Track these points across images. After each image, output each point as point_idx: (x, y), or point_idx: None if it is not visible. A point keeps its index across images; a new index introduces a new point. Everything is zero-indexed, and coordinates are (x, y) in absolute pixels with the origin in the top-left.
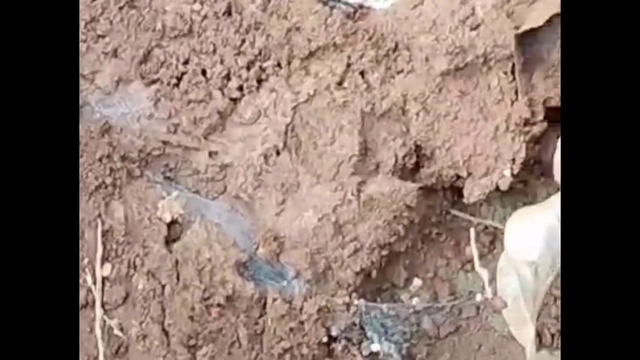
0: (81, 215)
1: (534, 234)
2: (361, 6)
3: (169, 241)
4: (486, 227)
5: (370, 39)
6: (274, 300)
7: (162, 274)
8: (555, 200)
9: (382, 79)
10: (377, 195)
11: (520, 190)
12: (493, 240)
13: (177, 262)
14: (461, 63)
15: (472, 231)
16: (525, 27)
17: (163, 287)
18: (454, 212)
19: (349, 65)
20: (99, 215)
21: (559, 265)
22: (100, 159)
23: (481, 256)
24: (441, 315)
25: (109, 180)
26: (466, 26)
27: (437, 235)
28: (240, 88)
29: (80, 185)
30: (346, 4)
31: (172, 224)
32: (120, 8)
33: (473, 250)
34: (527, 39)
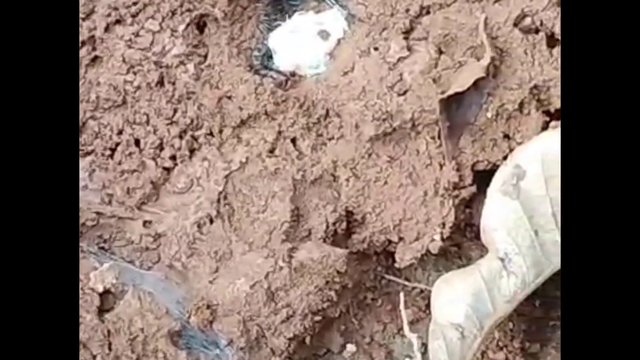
0: None
1: (459, 297)
2: (293, 74)
3: (101, 311)
4: (422, 291)
5: (301, 106)
6: None
7: (94, 345)
8: (482, 263)
9: (313, 146)
10: (307, 261)
11: (454, 253)
12: (428, 304)
13: (109, 332)
14: (389, 128)
15: (401, 296)
16: (450, 91)
17: (94, 357)
18: (389, 277)
19: (280, 132)
20: None
21: (486, 327)
22: None
23: (417, 320)
24: None
25: None
26: (394, 92)
27: (372, 301)
28: (173, 157)
29: None
30: (278, 72)
31: (104, 294)
32: None
33: (403, 315)
34: (452, 103)
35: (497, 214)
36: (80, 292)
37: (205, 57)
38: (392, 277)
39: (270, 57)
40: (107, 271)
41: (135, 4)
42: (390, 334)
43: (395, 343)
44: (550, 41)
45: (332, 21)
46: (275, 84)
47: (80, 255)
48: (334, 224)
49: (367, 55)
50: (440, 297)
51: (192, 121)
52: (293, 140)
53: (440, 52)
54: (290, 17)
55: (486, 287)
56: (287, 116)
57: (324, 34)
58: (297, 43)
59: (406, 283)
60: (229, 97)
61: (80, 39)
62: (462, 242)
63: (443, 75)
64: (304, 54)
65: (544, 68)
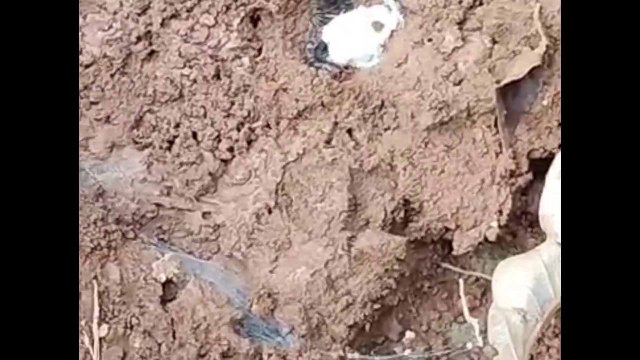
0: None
1: (521, 282)
2: (347, 67)
3: (164, 301)
4: (477, 279)
5: (356, 97)
6: (269, 355)
7: (158, 333)
8: (542, 248)
9: (369, 136)
10: (367, 249)
11: (509, 242)
12: (484, 292)
13: (172, 321)
14: (445, 117)
15: (461, 282)
16: (506, 80)
17: (159, 345)
18: (445, 265)
19: (336, 123)
20: (95, 277)
21: (547, 312)
22: (94, 222)
23: (473, 307)
24: None
25: (103, 243)
26: (449, 82)
27: (429, 289)
28: (231, 149)
29: None
30: (332, 64)
31: (167, 283)
32: (112, 75)
33: (463, 301)
34: (508, 92)
35: (555, 200)
36: (143, 282)
37: (260, 50)
38: (448, 266)
39: (325, 49)
40: (169, 261)
41: None
42: (447, 321)
43: (452, 331)
44: None
45: (385, 13)
46: (330, 76)
47: (142, 246)
48: (392, 212)
49: (420, 46)
50: (501, 282)
51: (249, 113)
52: (349, 131)
53: (495, 42)
54: (343, 9)
55: (547, 272)
56: (343, 107)
57: (377, 26)
58: (350, 35)
59: (462, 271)
60: (285, 90)
61: (137, 34)
62: (518, 231)
63: (498, 65)
64: (357, 46)
65: None
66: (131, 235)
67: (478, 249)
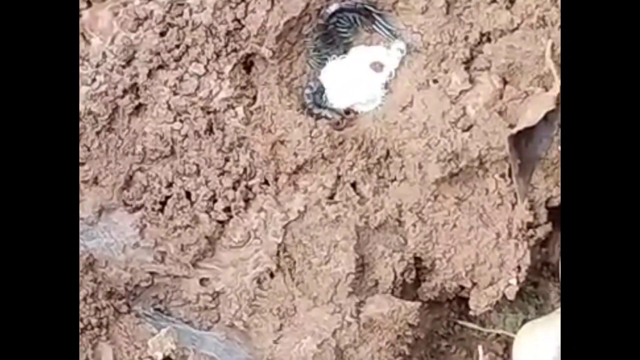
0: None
1: (545, 347)
2: (348, 112)
3: None
4: (497, 335)
5: (359, 147)
6: None
7: None
8: None
9: (374, 189)
10: (377, 316)
11: (531, 293)
12: (506, 348)
13: None
14: (455, 169)
15: (480, 349)
16: (519, 127)
17: None
18: (462, 323)
19: (339, 177)
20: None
21: None
22: (84, 299)
23: None
24: None
25: (94, 321)
26: (458, 128)
27: (446, 348)
28: (228, 209)
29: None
30: (332, 110)
31: None
32: (98, 133)
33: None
34: (522, 138)
35: None
36: None
37: (255, 98)
38: (466, 323)
39: (323, 93)
40: (165, 337)
41: (177, 47)
42: None
43: None
44: None
45: (386, 52)
46: (330, 123)
47: (136, 320)
48: (402, 273)
49: (426, 88)
50: (524, 346)
51: (245, 170)
52: (353, 185)
53: (505, 82)
54: (341, 50)
55: None
56: (346, 159)
57: (377, 66)
58: (350, 77)
59: (481, 329)
60: (283, 142)
61: (122, 87)
62: (539, 280)
63: (509, 107)
64: (358, 88)
65: None
66: (124, 309)
67: (497, 302)
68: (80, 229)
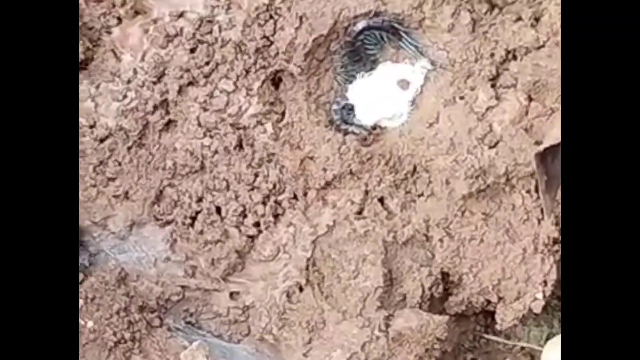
0: None
1: None
2: (374, 127)
3: None
4: (522, 348)
5: (386, 163)
6: None
7: None
8: None
9: (402, 204)
10: (405, 330)
11: (555, 306)
12: None
13: None
14: (482, 185)
15: None
16: (545, 145)
17: None
18: (488, 336)
19: (367, 192)
20: None
21: None
22: (117, 313)
23: None
24: None
25: (127, 335)
26: (484, 144)
27: None
28: (257, 224)
29: (98, 341)
30: (359, 126)
31: None
32: (129, 148)
33: None
34: (548, 155)
35: None
36: None
37: (283, 114)
38: (492, 337)
39: (351, 110)
40: (196, 350)
41: (207, 63)
42: None
43: None
44: None
45: (412, 69)
46: (358, 139)
47: (168, 334)
48: (430, 288)
49: (452, 104)
50: None
51: (274, 185)
52: (381, 200)
53: (531, 99)
54: (368, 66)
55: None
56: (373, 174)
57: (404, 83)
58: (377, 93)
59: (507, 342)
60: (311, 158)
61: (153, 103)
62: None
63: (535, 124)
64: (385, 104)
65: None
66: (156, 322)
67: (523, 315)
68: (112, 243)
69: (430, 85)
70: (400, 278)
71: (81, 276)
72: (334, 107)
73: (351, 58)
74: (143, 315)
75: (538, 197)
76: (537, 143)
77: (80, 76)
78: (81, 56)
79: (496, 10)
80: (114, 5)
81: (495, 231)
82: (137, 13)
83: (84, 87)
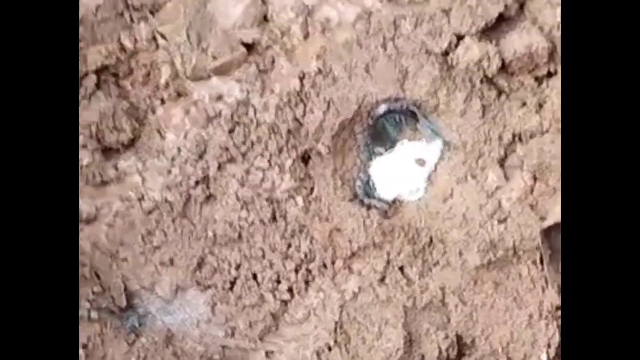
0: None
1: None
2: (394, 201)
3: None
4: None
5: (406, 235)
6: None
7: None
8: None
9: (420, 273)
10: None
11: None
12: None
13: None
14: (493, 257)
15: None
16: (549, 222)
17: None
18: None
19: (388, 262)
20: None
21: None
22: None
23: None
24: None
25: None
26: (494, 220)
27: None
28: (290, 290)
29: None
30: (380, 200)
31: None
32: (173, 219)
33: None
34: (552, 231)
35: None
36: None
37: (312, 189)
38: None
39: (373, 185)
40: None
41: (244, 143)
42: None
43: None
44: None
45: (428, 149)
46: (379, 212)
47: None
48: (446, 349)
49: (464, 182)
50: None
51: (305, 255)
52: (401, 269)
53: (535, 179)
54: (388, 145)
55: None
56: (394, 245)
57: (421, 161)
58: (396, 170)
59: None
60: (339, 230)
61: (195, 178)
62: None
63: (540, 202)
64: (403, 180)
65: None
66: None
67: None
68: (159, 305)
69: (444, 164)
70: (419, 340)
71: (132, 336)
72: (358, 182)
73: (373, 138)
74: None
75: (543, 269)
76: (542, 219)
77: (129, 153)
78: (129, 134)
79: (503, 97)
80: (157, 88)
81: (505, 298)
82: (179, 95)
83: (132, 162)
